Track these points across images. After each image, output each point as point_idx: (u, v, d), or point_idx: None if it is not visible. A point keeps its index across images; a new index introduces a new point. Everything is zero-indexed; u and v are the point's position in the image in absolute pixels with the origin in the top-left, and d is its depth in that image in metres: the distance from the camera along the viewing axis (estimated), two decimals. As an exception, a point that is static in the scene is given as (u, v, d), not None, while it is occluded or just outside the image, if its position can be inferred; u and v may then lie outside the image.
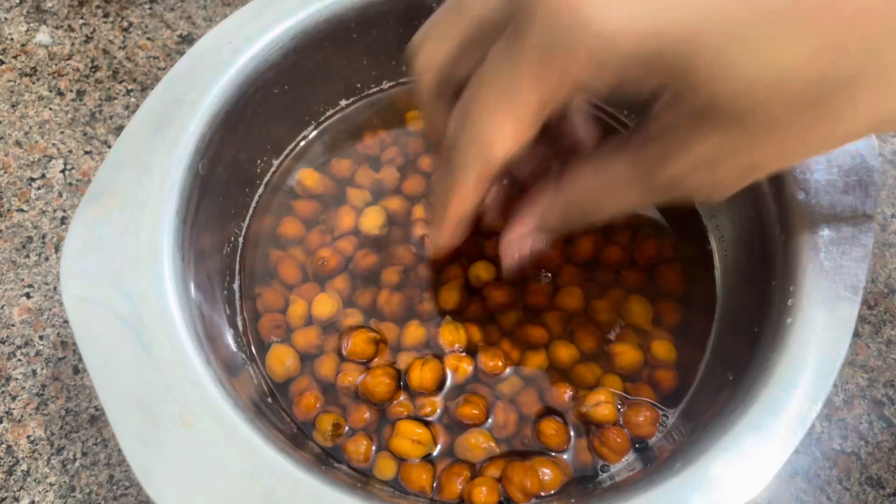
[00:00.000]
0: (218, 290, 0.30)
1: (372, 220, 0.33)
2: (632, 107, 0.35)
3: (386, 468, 0.28)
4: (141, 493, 0.31)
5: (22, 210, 0.37)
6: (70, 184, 0.38)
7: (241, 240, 0.33)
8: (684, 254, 0.32)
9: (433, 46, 0.23)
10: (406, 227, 0.33)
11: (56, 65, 0.41)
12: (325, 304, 0.31)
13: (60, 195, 0.37)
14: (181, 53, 0.35)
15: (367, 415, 0.29)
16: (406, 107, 0.36)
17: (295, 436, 0.28)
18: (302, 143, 0.35)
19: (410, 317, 0.31)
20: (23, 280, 0.35)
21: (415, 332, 0.30)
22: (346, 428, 0.29)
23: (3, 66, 0.41)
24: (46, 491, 0.31)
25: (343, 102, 0.36)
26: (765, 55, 0.17)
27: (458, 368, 0.29)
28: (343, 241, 0.33)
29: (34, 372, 0.33)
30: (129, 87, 0.41)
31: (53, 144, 0.39)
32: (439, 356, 0.30)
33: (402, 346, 0.30)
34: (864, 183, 0.27)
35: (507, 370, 0.30)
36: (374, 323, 0.31)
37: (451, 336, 0.30)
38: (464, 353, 0.30)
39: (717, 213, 0.33)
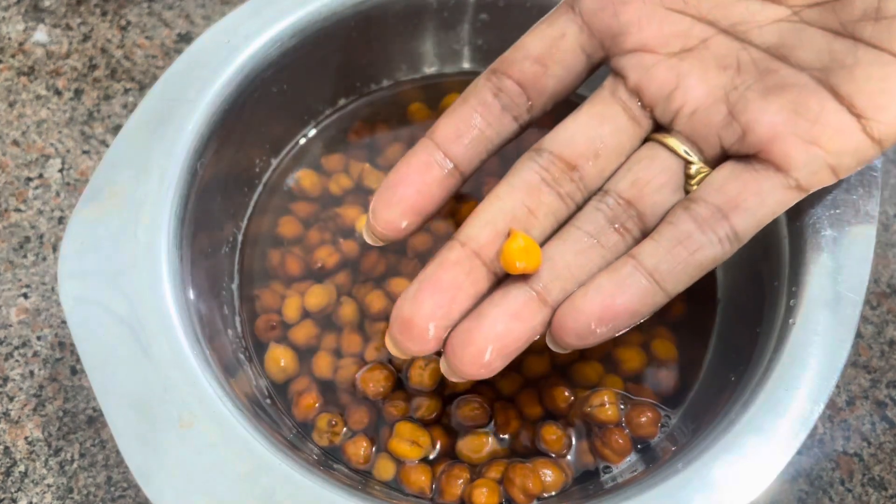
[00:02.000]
0: (216, 290, 0.30)
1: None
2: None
3: (385, 469, 0.28)
4: (139, 495, 0.30)
5: (19, 210, 0.37)
6: (68, 183, 0.37)
7: (239, 240, 0.33)
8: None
9: None
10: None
11: (54, 64, 0.41)
12: (317, 296, 0.31)
13: (58, 195, 0.37)
14: (179, 52, 0.35)
15: (366, 416, 0.29)
16: (407, 104, 0.36)
17: (294, 437, 0.28)
18: (301, 143, 0.35)
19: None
20: (20, 280, 0.35)
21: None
22: (345, 428, 0.29)
23: (1, 66, 0.41)
24: (44, 492, 0.31)
25: (342, 101, 0.36)
26: None
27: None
28: (344, 241, 0.32)
29: (32, 373, 0.33)
30: (127, 87, 0.40)
31: (51, 144, 0.39)
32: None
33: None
34: (866, 182, 0.27)
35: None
36: (368, 324, 0.31)
37: None
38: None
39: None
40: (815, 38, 0.21)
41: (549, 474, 0.27)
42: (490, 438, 0.28)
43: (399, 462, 0.28)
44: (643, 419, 0.28)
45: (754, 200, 0.22)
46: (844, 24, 0.21)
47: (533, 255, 0.21)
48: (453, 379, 0.22)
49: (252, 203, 0.34)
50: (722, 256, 0.22)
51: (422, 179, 0.22)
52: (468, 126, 0.23)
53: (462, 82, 0.36)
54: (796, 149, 0.21)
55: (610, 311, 0.21)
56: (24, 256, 0.36)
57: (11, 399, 0.32)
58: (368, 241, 0.23)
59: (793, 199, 0.22)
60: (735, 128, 0.22)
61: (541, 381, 0.29)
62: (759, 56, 0.22)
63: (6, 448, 0.31)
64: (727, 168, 0.22)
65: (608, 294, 0.21)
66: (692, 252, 0.21)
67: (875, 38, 0.21)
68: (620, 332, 0.22)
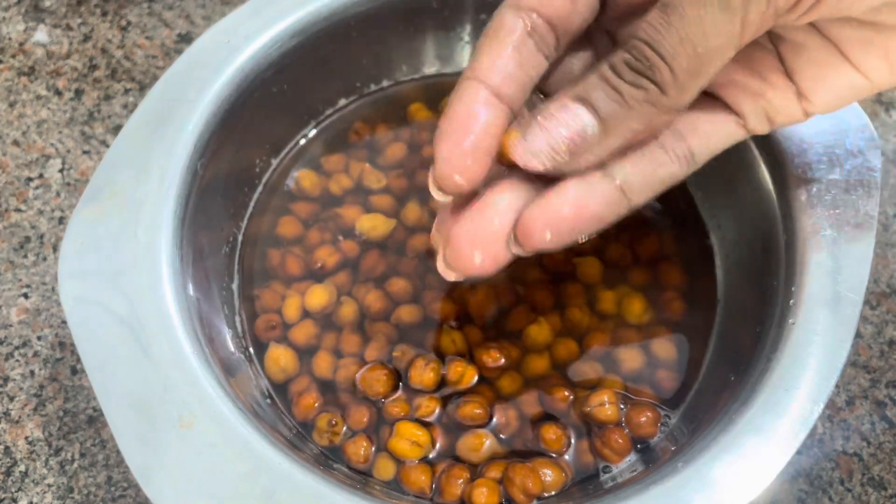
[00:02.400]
0: (216, 290, 0.30)
1: (369, 223, 0.33)
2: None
3: (385, 469, 0.28)
4: (139, 495, 0.30)
5: (20, 210, 0.37)
6: (68, 183, 0.37)
7: (239, 240, 0.33)
8: (685, 252, 0.32)
9: None
10: (410, 228, 0.33)
11: (54, 64, 0.41)
12: (317, 296, 0.31)
13: (58, 195, 0.37)
14: (180, 52, 0.35)
15: (366, 415, 0.29)
16: (407, 104, 0.36)
17: (294, 436, 0.28)
18: (301, 143, 0.35)
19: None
20: (21, 280, 0.35)
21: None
22: (345, 428, 0.29)
23: (1, 66, 0.41)
24: (45, 492, 0.31)
25: (342, 101, 0.36)
26: None
27: (463, 378, 0.29)
28: (344, 241, 0.32)
29: (32, 373, 0.33)
30: (128, 87, 0.40)
31: (51, 144, 0.39)
32: (441, 357, 0.30)
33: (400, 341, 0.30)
34: (866, 182, 0.27)
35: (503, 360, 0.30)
36: (368, 324, 0.31)
37: (451, 346, 0.30)
38: (465, 361, 0.30)
39: (719, 212, 0.32)
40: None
41: (548, 474, 0.27)
42: (490, 438, 0.28)
43: (399, 462, 0.28)
44: (643, 419, 0.28)
45: (709, 128, 0.23)
46: None
47: None
48: (450, 276, 0.23)
49: (252, 203, 0.34)
50: (680, 174, 0.23)
51: (483, 122, 0.22)
52: (510, 64, 0.22)
53: (462, 82, 0.36)
54: (746, 100, 0.23)
55: (581, 214, 0.22)
56: (25, 256, 0.36)
57: (12, 399, 0.33)
58: (437, 197, 0.23)
59: (740, 135, 0.24)
60: None
61: (541, 381, 0.29)
62: None
63: (7, 448, 0.32)
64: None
65: (577, 197, 0.22)
66: (655, 168, 0.23)
67: (825, 28, 0.22)
68: (581, 238, 0.22)
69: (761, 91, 0.23)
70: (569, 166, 0.21)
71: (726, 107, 0.24)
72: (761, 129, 0.24)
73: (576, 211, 0.22)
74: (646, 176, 0.23)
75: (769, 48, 0.23)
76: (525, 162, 0.21)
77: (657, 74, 0.20)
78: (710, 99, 0.24)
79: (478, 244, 0.22)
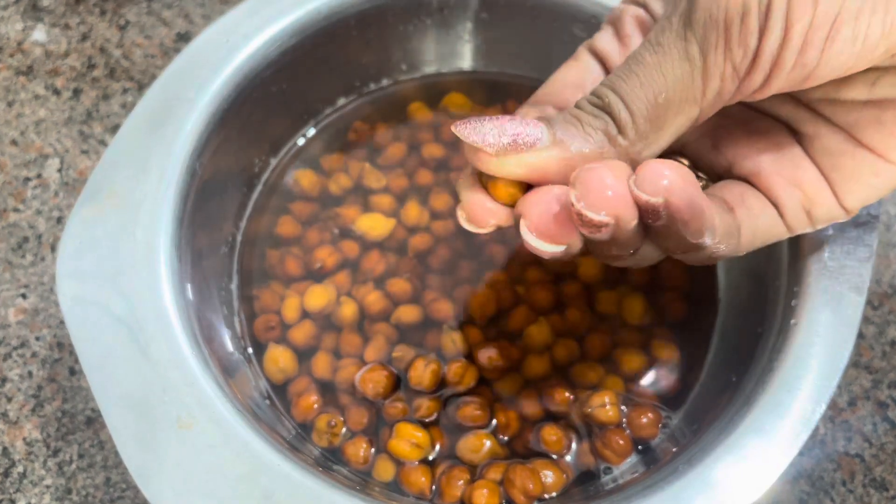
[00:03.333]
0: (215, 290, 0.30)
1: (369, 223, 0.33)
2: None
3: (385, 470, 0.28)
4: (138, 496, 0.30)
5: (18, 210, 0.37)
6: (66, 183, 0.37)
7: (238, 240, 0.33)
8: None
9: None
10: (410, 228, 0.33)
11: (52, 63, 0.41)
12: (317, 296, 0.31)
13: (57, 195, 0.37)
14: (178, 51, 0.35)
15: (366, 416, 0.29)
16: (407, 104, 0.36)
17: (294, 437, 0.28)
18: (300, 142, 0.35)
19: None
20: (19, 280, 0.35)
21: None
22: (345, 429, 0.29)
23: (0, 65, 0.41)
24: (43, 493, 0.30)
25: (342, 101, 0.36)
26: None
27: (463, 379, 0.29)
28: (343, 241, 0.32)
29: (30, 373, 0.33)
30: (126, 86, 0.40)
31: (50, 143, 0.38)
32: (441, 358, 0.29)
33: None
34: (868, 182, 0.27)
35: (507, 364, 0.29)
36: (368, 324, 0.31)
37: (451, 347, 0.30)
38: (464, 361, 0.29)
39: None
40: (784, 102, 0.22)
41: (549, 475, 0.27)
42: (490, 439, 0.28)
43: (399, 463, 0.28)
44: (644, 420, 0.28)
45: (755, 203, 0.22)
46: (809, 101, 0.22)
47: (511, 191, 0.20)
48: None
49: (251, 203, 0.34)
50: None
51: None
52: None
53: (462, 81, 0.36)
54: (782, 187, 0.22)
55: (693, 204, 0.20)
56: (23, 256, 0.36)
57: (10, 400, 0.32)
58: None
59: (781, 229, 0.22)
60: (722, 160, 0.23)
61: (541, 382, 0.29)
62: (741, 109, 0.23)
63: (4, 449, 0.31)
64: (735, 183, 0.23)
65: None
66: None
67: (833, 117, 0.21)
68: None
69: (795, 178, 0.22)
70: (518, 162, 0.19)
71: (768, 199, 0.22)
72: (800, 224, 0.22)
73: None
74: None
75: (787, 134, 0.22)
76: (463, 132, 0.19)
77: (615, 111, 0.19)
78: (752, 186, 0.23)
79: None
